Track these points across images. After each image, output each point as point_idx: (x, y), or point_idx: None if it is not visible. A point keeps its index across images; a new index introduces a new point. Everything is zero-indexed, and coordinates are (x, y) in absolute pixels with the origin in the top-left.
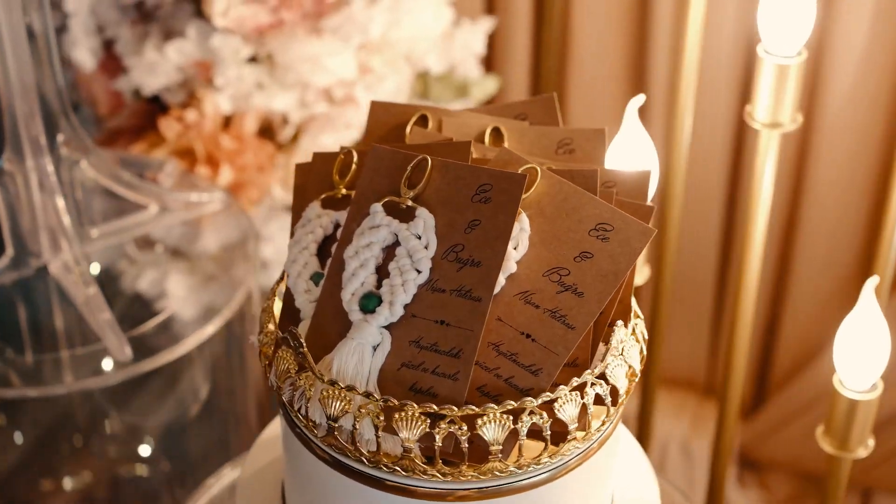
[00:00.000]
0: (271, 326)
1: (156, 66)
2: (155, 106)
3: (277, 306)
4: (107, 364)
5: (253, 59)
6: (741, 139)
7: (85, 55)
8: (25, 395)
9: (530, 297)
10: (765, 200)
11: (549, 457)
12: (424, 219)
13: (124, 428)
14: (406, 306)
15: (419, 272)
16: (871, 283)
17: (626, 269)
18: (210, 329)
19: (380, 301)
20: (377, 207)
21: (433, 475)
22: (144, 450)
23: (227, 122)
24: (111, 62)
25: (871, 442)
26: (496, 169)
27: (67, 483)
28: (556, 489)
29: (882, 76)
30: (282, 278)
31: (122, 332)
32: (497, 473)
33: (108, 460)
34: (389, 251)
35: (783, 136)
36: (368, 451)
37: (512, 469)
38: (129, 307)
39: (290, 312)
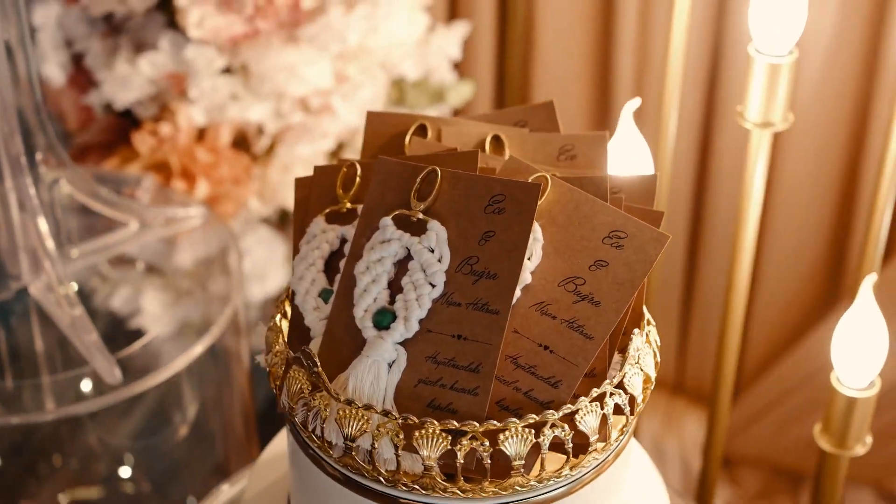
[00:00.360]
0: (280, 346)
1: (128, 80)
2: (126, 120)
3: (283, 324)
4: (92, 389)
5: (227, 70)
6: (707, 137)
7: (54, 70)
8: (8, 423)
9: (546, 308)
10: (756, 200)
11: (570, 469)
12: (437, 231)
13: (111, 451)
14: (421, 321)
15: (433, 286)
16: (870, 280)
17: (643, 277)
18: (199, 349)
19: (394, 317)
20: (387, 221)
21: (453, 492)
22: (134, 472)
23: (200, 135)
24: (80, 76)
25: (869, 439)
26: (509, 179)
27: None
28: (574, 502)
29: (847, 73)
30: (287, 295)
31: (110, 354)
32: (518, 488)
33: (96, 484)
34: (401, 265)
35: (749, 134)
36: (387, 471)
37: (533, 483)
38: (107, 328)
39: (298, 331)
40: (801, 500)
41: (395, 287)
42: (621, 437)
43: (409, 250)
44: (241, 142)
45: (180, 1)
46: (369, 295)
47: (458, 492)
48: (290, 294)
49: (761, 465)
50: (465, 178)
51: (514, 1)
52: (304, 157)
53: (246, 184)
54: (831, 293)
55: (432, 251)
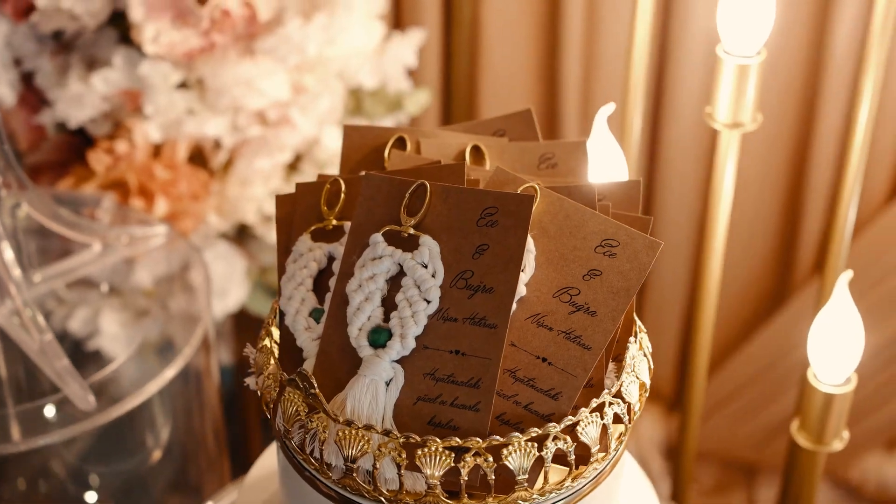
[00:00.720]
0: (272, 368)
1: (81, 98)
2: (78, 138)
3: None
4: (65, 416)
5: (182, 85)
6: (655, 135)
7: (5, 90)
8: None
9: (542, 320)
10: (726, 200)
11: (572, 480)
12: (429, 246)
13: (83, 475)
14: (417, 338)
15: (429, 302)
16: (845, 277)
17: (637, 285)
18: (171, 372)
19: (390, 334)
20: (378, 238)
21: None
22: (108, 495)
23: (156, 151)
24: (31, 95)
25: (846, 434)
26: (501, 191)
27: None
28: None
29: (793, 69)
30: (273, 316)
31: (83, 380)
32: (521, 502)
33: None
34: (394, 282)
35: (698, 133)
36: (388, 491)
37: (535, 497)
38: (67, 353)
39: (289, 352)
40: (756, 492)
41: (388, 304)
42: (619, 446)
43: (401, 266)
44: (198, 157)
45: (135, 16)
46: (363, 313)
47: None
48: (276, 315)
49: (716, 460)
50: (456, 191)
51: (460, 6)
52: (262, 170)
53: (204, 199)
54: (780, 290)
55: (425, 266)
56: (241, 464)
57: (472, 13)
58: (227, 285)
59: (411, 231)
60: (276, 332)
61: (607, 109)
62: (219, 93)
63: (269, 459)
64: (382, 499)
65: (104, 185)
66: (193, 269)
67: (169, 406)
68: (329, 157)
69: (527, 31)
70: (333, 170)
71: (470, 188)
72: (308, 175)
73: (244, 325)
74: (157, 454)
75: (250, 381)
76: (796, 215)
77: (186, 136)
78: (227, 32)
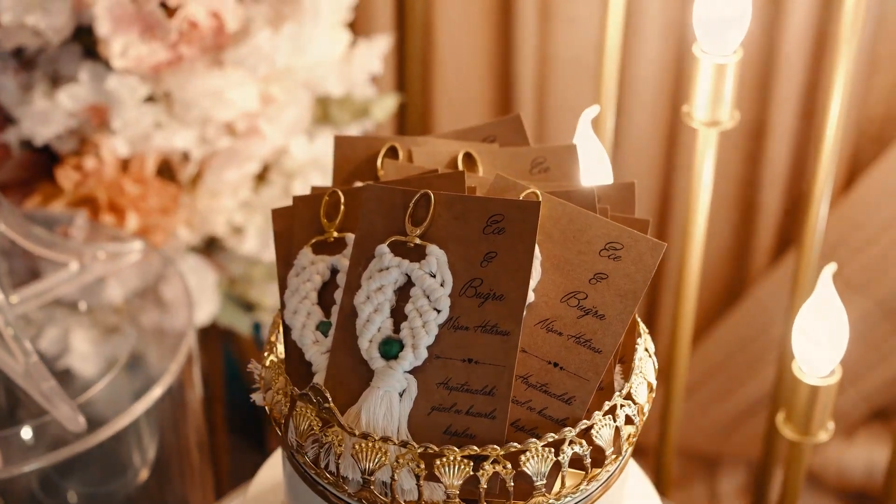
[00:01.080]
0: (281, 383)
1: (47, 115)
2: (43, 156)
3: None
4: (48, 441)
5: (149, 99)
6: (617, 133)
7: None
8: None
9: (552, 325)
10: (704, 199)
11: (587, 483)
12: (437, 255)
13: (69, 495)
14: (429, 348)
15: (438, 311)
16: (829, 269)
17: (644, 287)
18: (158, 390)
19: (401, 345)
20: (384, 248)
21: None
22: None
23: (123, 166)
24: None
25: (832, 425)
26: (507, 198)
27: None
28: None
29: (746, 64)
30: (276, 331)
31: (72, 401)
32: None
33: None
34: (402, 293)
35: (656, 129)
36: (406, 502)
37: (552, 501)
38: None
39: (297, 366)
40: (718, 483)
41: (397, 315)
42: (629, 448)
43: (409, 277)
44: (166, 170)
45: (101, 31)
46: (373, 325)
47: None
48: (280, 329)
49: (678, 453)
50: (461, 200)
51: (413, 11)
52: (231, 182)
53: (174, 213)
54: (737, 282)
55: (434, 276)
56: (215, 476)
57: (425, 17)
58: (199, 298)
59: (417, 241)
60: (280, 347)
61: (591, 112)
62: (187, 105)
63: (267, 473)
64: None
65: (72, 203)
66: (170, 284)
67: (154, 423)
68: (297, 166)
69: (480, 34)
70: (303, 179)
71: (475, 196)
72: (277, 185)
73: (212, 337)
74: (141, 472)
75: (257, 398)
76: (752, 213)
77: (154, 150)
78: (194, 44)
